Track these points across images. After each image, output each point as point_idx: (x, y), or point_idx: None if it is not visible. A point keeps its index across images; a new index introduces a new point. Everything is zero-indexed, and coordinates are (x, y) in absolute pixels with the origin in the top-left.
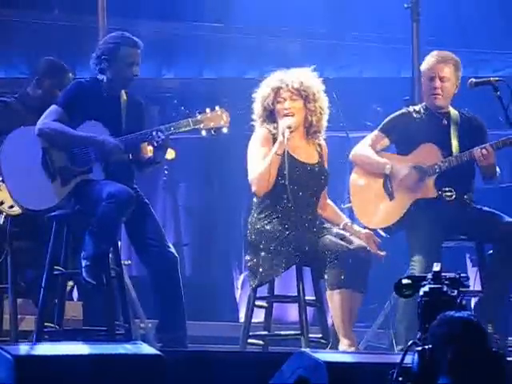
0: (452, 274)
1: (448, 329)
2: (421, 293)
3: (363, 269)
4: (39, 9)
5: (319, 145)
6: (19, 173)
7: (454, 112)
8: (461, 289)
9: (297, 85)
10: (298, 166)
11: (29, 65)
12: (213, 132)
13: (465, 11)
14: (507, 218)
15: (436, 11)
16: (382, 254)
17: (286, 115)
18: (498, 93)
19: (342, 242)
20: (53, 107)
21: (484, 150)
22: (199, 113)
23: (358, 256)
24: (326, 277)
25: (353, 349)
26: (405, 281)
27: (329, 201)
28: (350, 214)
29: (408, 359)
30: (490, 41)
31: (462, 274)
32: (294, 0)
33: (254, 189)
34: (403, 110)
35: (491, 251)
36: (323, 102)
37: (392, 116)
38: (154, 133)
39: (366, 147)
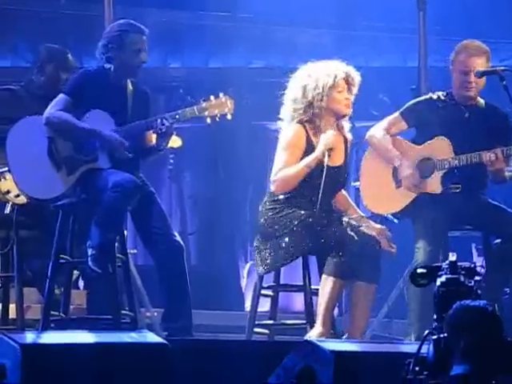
0: (467, 264)
1: (464, 318)
2: (438, 283)
3: (373, 259)
4: None
5: (345, 140)
6: (25, 162)
7: (480, 104)
8: (476, 278)
9: (357, 78)
10: (327, 171)
11: (34, 54)
12: (217, 119)
13: (471, 0)
14: None
15: (442, 0)
16: (393, 250)
17: (346, 105)
18: (504, 82)
19: (351, 233)
20: (60, 96)
21: (493, 155)
22: (204, 100)
23: (368, 247)
24: (326, 262)
25: (323, 339)
26: (420, 270)
27: (343, 191)
28: (357, 193)
29: (424, 349)
30: (497, 30)
31: (477, 264)
32: None
33: (273, 188)
34: (427, 97)
35: (498, 240)
36: None
37: (415, 101)
38: (158, 120)
39: (381, 130)
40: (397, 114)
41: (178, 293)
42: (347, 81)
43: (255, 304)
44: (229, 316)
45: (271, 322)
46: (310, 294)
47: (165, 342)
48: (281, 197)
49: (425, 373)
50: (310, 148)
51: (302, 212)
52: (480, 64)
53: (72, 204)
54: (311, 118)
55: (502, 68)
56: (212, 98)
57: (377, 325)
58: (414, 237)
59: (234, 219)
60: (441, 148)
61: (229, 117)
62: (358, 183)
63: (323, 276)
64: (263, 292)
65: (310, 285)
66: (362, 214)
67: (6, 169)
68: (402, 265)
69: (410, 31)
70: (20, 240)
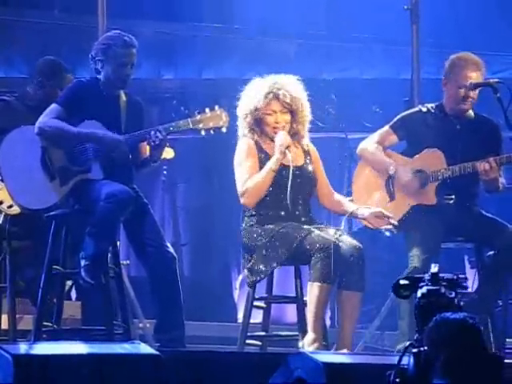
0: (450, 275)
1: (443, 330)
2: (418, 294)
3: (357, 267)
4: (39, 8)
5: (305, 149)
6: (18, 172)
7: (470, 115)
8: (459, 290)
9: (288, 99)
10: (287, 171)
11: (28, 65)
12: (211, 132)
13: (464, 13)
14: (510, 227)
15: (435, 13)
16: (394, 222)
17: (275, 128)
18: (498, 95)
19: (328, 237)
20: (53, 106)
21: (487, 165)
22: (198, 113)
23: (347, 250)
24: (310, 269)
25: (316, 344)
26: (402, 281)
27: (335, 193)
28: None
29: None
30: (489, 43)
31: (460, 275)
32: (294, 1)
33: (244, 201)
34: (417, 109)
35: (491, 252)
36: (307, 109)
37: (405, 113)
38: (152, 132)
39: (374, 143)
40: (387, 127)
41: (170, 304)
42: (280, 102)
43: (248, 315)
44: (221, 327)
45: (264, 333)
46: (303, 306)
47: (157, 353)
48: (255, 208)
49: None
50: (263, 155)
51: (272, 227)
52: (476, 77)
53: (65, 214)
54: (260, 131)
55: (496, 80)
56: (207, 110)
57: (369, 337)
58: (408, 246)
59: (227, 230)
60: (433, 160)
61: (224, 130)
62: (350, 198)
63: (309, 283)
64: (255, 303)
65: (302, 296)
66: (355, 207)
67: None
68: (394, 277)
69: (403, 43)
70: (13, 250)
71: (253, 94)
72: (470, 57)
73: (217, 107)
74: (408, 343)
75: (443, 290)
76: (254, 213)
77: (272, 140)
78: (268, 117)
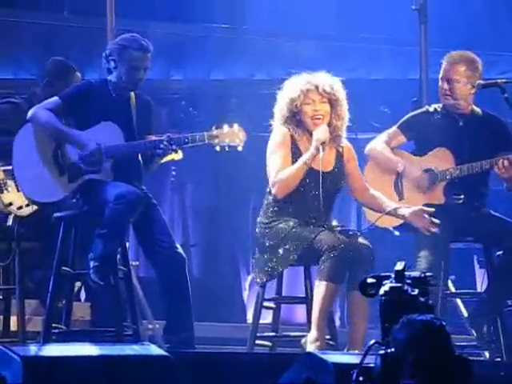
0: (417, 273)
1: (409, 332)
2: (381, 292)
3: (365, 267)
4: (48, 10)
5: (339, 150)
6: (29, 163)
7: (477, 113)
8: (425, 287)
9: (328, 88)
10: (316, 176)
11: (37, 66)
12: (226, 149)
13: (472, 13)
14: None
15: (444, 13)
16: (434, 229)
17: (315, 117)
18: (506, 95)
19: (340, 236)
20: (54, 98)
21: (506, 161)
22: (216, 127)
23: (357, 251)
24: (318, 267)
25: (318, 343)
26: (370, 280)
27: (370, 189)
28: (358, 208)
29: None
30: (498, 42)
31: (427, 274)
32: (304, 2)
33: (275, 191)
34: (424, 109)
35: (500, 252)
36: (346, 107)
37: (413, 114)
38: (165, 142)
39: (382, 143)
40: (395, 127)
41: (179, 305)
42: (319, 92)
43: (257, 316)
44: (231, 328)
45: (273, 334)
46: (312, 306)
47: (167, 354)
48: (279, 204)
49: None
50: (296, 150)
51: (291, 223)
52: (456, 73)
53: (74, 216)
54: (296, 125)
55: (504, 80)
56: (225, 126)
57: (378, 336)
58: (416, 247)
59: (236, 231)
60: (441, 159)
61: (239, 148)
62: None
63: (316, 281)
64: (265, 304)
65: (311, 296)
66: (393, 206)
67: (5, 179)
68: None
69: (411, 43)
70: (22, 252)
71: (290, 88)
72: (457, 52)
73: (235, 125)
74: (372, 342)
75: (406, 287)
76: (269, 209)
77: (309, 133)
78: (306, 106)
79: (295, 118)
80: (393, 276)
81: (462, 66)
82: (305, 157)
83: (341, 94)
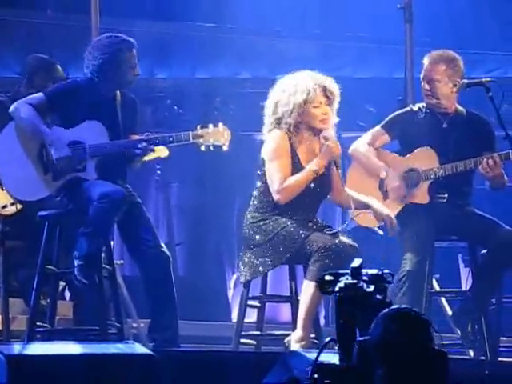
0: (374, 271)
1: (383, 326)
2: (336, 288)
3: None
4: (32, 8)
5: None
6: (14, 160)
7: (460, 112)
8: (382, 285)
9: (335, 91)
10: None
11: (22, 64)
12: (211, 148)
13: (458, 12)
14: (504, 227)
15: (429, 12)
16: (392, 232)
17: (323, 120)
18: (490, 94)
19: (329, 237)
20: (38, 94)
21: (491, 160)
22: (201, 127)
23: (346, 252)
24: (307, 268)
25: (303, 343)
26: (327, 277)
27: (346, 189)
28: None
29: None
30: (483, 41)
31: (385, 271)
32: (288, 0)
33: (279, 197)
34: (408, 108)
35: (484, 251)
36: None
37: (396, 113)
38: (143, 144)
39: (365, 144)
40: (378, 127)
41: (164, 303)
42: (325, 94)
43: (242, 314)
44: (215, 327)
45: (258, 332)
46: (297, 305)
47: (151, 352)
48: (267, 204)
49: (326, 381)
50: (293, 155)
51: (283, 220)
52: (436, 73)
53: (58, 214)
54: (295, 125)
55: (488, 79)
56: (210, 126)
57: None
58: (401, 247)
59: (221, 230)
60: (425, 158)
61: (224, 148)
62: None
63: (304, 281)
64: (250, 303)
65: (296, 295)
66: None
67: None
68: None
69: (397, 42)
70: (6, 251)
71: (297, 89)
72: (437, 52)
73: (220, 124)
74: (328, 339)
75: (361, 284)
76: (261, 203)
77: (308, 134)
78: (315, 109)
79: (295, 120)
80: (349, 273)
81: (443, 65)
82: (313, 165)
83: (337, 95)
